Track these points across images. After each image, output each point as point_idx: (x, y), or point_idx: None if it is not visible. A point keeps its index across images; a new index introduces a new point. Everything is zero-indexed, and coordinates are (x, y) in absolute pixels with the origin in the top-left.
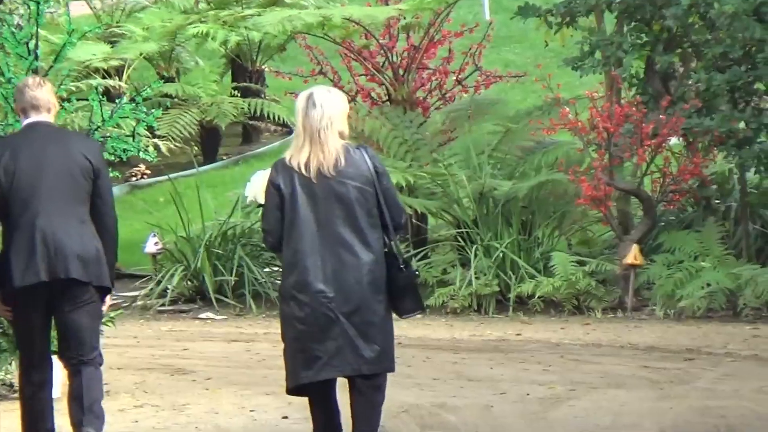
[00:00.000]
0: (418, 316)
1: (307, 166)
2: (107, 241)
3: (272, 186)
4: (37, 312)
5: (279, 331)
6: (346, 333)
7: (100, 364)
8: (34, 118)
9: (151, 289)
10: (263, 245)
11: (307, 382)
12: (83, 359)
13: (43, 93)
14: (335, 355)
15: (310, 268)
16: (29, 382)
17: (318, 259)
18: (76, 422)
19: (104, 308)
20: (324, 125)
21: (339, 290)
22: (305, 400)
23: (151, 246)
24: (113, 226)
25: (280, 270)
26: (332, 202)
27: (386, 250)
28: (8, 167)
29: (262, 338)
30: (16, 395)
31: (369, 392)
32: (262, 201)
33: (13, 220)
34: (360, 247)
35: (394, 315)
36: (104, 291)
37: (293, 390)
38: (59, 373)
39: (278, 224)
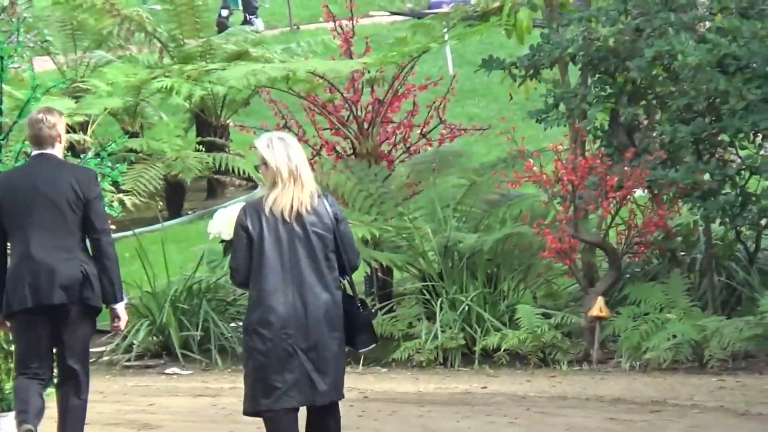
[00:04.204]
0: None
1: (276, 209)
2: (104, 263)
3: (241, 228)
4: (32, 332)
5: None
6: (303, 367)
7: (83, 396)
8: (39, 150)
9: (117, 344)
10: (228, 300)
11: (265, 409)
12: (69, 377)
13: (46, 129)
14: (292, 387)
15: (273, 306)
16: (27, 397)
17: (281, 299)
18: None
19: (122, 323)
20: (300, 166)
21: (299, 328)
22: None
23: None
24: (108, 249)
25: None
26: (296, 245)
27: (344, 291)
28: (6, 199)
29: (228, 393)
30: None
31: (327, 421)
32: (225, 237)
33: (12, 249)
34: (320, 288)
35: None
36: (96, 310)
37: (251, 414)
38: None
39: (246, 264)
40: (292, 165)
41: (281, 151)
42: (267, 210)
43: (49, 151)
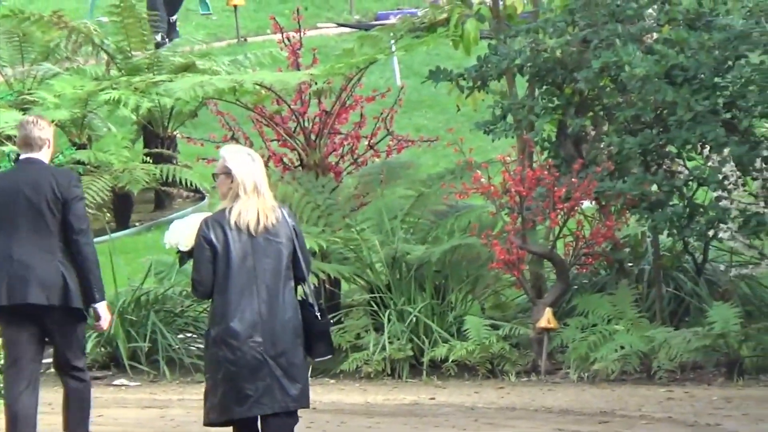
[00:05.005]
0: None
1: (240, 222)
2: (82, 264)
3: (204, 241)
4: (14, 329)
5: (192, 397)
6: (273, 373)
7: (83, 380)
8: (26, 154)
9: None
10: (176, 312)
11: (239, 417)
12: (66, 370)
13: (36, 132)
14: (264, 394)
15: (240, 316)
16: (11, 389)
17: (248, 309)
18: None
19: (104, 322)
20: (263, 183)
21: (267, 336)
22: None
23: None
24: (86, 251)
25: (206, 318)
26: (261, 257)
27: (304, 299)
28: None
29: (176, 404)
30: None
31: (282, 429)
32: (182, 248)
33: None
34: (282, 297)
35: None
36: (77, 312)
37: (215, 423)
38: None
39: (210, 276)
40: (256, 179)
41: (248, 164)
42: (232, 222)
43: (35, 155)
